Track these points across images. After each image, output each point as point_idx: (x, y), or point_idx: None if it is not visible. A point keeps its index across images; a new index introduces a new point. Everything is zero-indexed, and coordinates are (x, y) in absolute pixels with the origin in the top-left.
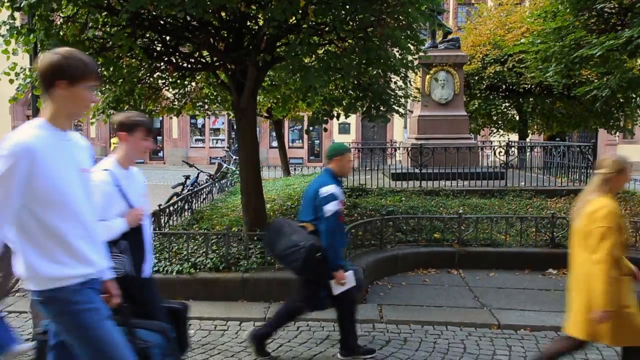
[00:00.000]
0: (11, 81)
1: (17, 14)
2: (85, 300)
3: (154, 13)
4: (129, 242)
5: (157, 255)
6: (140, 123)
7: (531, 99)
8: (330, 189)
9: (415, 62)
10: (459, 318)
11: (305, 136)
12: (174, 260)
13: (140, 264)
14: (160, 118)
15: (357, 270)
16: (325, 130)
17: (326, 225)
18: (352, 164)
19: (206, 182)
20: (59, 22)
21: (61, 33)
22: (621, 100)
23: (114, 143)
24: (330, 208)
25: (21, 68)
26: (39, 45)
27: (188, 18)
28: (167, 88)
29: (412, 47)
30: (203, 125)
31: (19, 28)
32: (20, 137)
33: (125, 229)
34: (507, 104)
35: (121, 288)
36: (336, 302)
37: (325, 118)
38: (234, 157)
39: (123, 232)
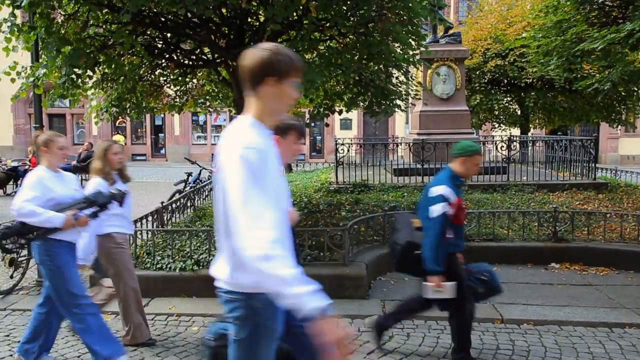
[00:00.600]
0: (13, 80)
1: (17, 12)
2: (271, 315)
3: (155, 10)
4: None
5: (160, 252)
6: (294, 127)
7: (533, 93)
8: (440, 189)
9: (417, 57)
10: None
11: (307, 132)
12: (177, 257)
13: None
14: (162, 115)
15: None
16: (327, 125)
17: (428, 226)
18: (479, 167)
19: (208, 178)
20: (60, 20)
21: (62, 31)
22: (623, 93)
23: (117, 141)
24: (435, 209)
25: (22, 67)
26: (40, 43)
27: (189, 15)
28: (168, 85)
29: (413, 42)
30: (205, 122)
31: (20, 26)
32: (251, 137)
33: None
34: (508, 99)
35: None
36: (447, 307)
37: (326, 112)
38: None
39: None
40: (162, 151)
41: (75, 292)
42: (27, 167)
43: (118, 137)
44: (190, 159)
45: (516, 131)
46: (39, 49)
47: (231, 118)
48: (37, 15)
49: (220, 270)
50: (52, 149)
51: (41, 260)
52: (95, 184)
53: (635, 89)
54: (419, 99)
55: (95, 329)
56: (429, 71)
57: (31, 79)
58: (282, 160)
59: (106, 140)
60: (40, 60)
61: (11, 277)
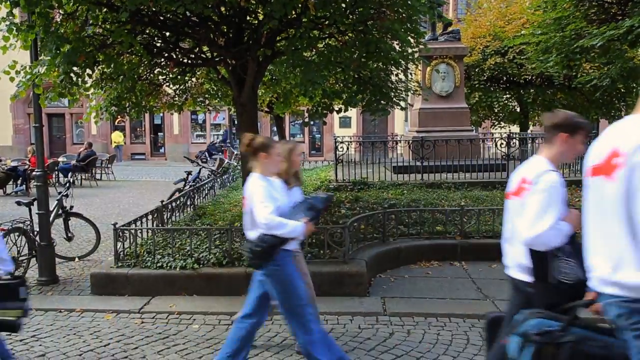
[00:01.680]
0: (12, 79)
1: (16, 11)
2: None
3: (154, 9)
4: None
5: (161, 251)
6: (584, 126)
7: (532, 90)
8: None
9: (416, 55)
10: (462, 310)
11: (306, 130)
12: (178, 255)
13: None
14: (161, 114)
15: None
16: (325, 123)
17: None
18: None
19: (208, 177)
20: (58, 19)
21: (61, 30)
22: (622, 90)
23: (114, 140)
24: None
25: (21, 66)
26: (38, 43)
27: (188, 13)
28: (167, 84)
29: (412, 40)
30: (204, 121)
31: (19, 25)
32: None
33: (570, 233)
34: (507, 96)
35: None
36: None
37: (324, 112)
38: (235, 152)
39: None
40: (162, 150)
41: (303, 302)
42: (26, 167)
43: (117, 135)
44: (189, 157)
45: (515, 128)
46: (38, 48)
47: (230, 116)
48: (36, 15)
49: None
50: (272, 155)
51: (270, 272)
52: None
53: (635, 85)
54: (419, 94)
55: (318, 337)
56: (428, 69)
57: (29, 76)
58: (565, 158)
59: (290, 141)
60: (39, 59)
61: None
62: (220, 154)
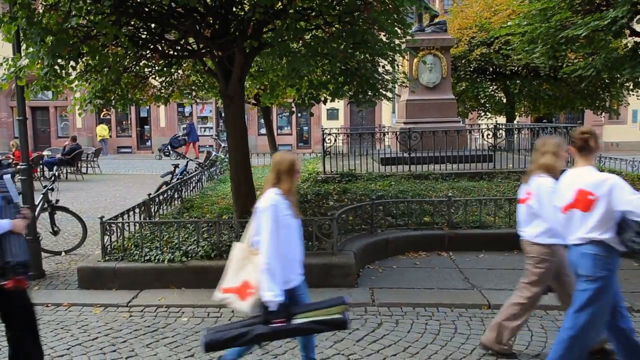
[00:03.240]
0: None
1: None
2: None
3: (138, 0)
4: None
5: (148, 244)
6: None
7: (518, 81)
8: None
9: (403, 46)
10: (450, 299)
11: (294, 123)
12: (165, 248)
13: None
14: (147, 107)
15: None
16: (312, 115)
17: None
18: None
19: (195, 170)
20: (41, 10)
21: (44, 21)
22: (607, 80)
23: (99, 134)
24: None
25: (4, 58)
26: (21, 35)
27: (173, 4)
28: (153, 76)
29: (398, 31)
30: (190, 114)
31: (1, 17)
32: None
33: None
34: (494, 87)
35: None
36: None
37: (311, 102)
38: (223, 144)
39: None
40: (148, 143)
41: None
42: (10, 160)
43: (101, 129)
44: (177, 150)
45: (502, 119)
46: (20, 40)
47: (217, 109)
48: (17, 6)
49: None
50: (561, 153)
51: (598, 275)
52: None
53: (619, 76)
54: (406, 86)
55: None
56: (415, 60)
57: (12, 69)
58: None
59: (557, 137)
60: (22, 52)
61: None
62: (183, 147)
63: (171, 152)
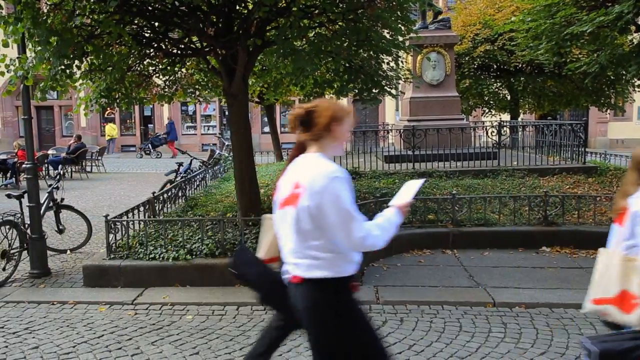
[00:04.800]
0: (2, 74)
1: (2, 3)
2: None
3: None
4: None
5: (153, 242)
6: None
7: (522, 78)
8: None
9: (406, 43)
10: (455, 297)
11: None
12: (170, 247)
13: None
14: (151, 106)
15: None
16: None
17: None
18: None
19: (199, 168)
20: (45, 10)
21: (49, 21)
22: (612, 77)
23: (108, 133)
24: None
25: (11, 59)
26: (26, 35)
27: (176, 3)
28: (157, 75)
29: (402, 28)
30: (194, 112)
31: (6, 17)
32: None
33: None
34: (498, 84)
35: None
36: None
37: None
38: (227, 143)
39: None
40: None
41: None
42: (15, 160)
43: (110, 128)
44: (180, 149)
45: (506, 116)
46: (25, 40)
47: (221, 107)
48: (22, 5)
49: None
50: None
51: None
52: None
53: (624, 72)
54: (410, 82)
55: None
56: (419, 57)
57: (20, 72)
58: None
59: None
60: (29, 52)
61: (3, 269)
62: (164, 145)
63: (152, 150)
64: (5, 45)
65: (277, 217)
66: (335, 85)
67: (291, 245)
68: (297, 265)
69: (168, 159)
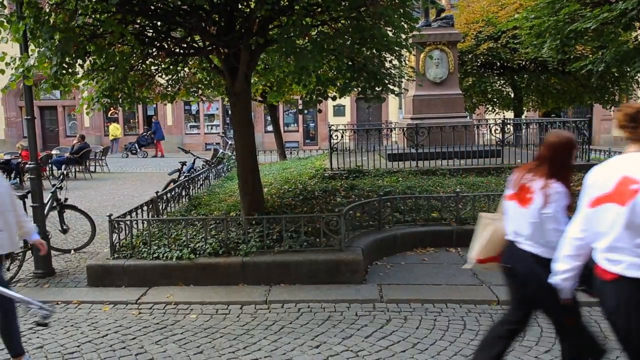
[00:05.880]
0: (2, 71)
1: (5, 2)
2: None
3: None
4: None
5: (157, 242)
6: None
7: (525, 76)
8: None
9: (409, 41)
10: (459, 295)
11: (300, 120)
12: (174, 246)
13: None
14: (154, 105)
15: None
16: (320, 111)
17: None
18: None
19: (202, 168)
20: (47, 9)
21: (51, 20)
22: (616, 74)
23: (112, 133)
24: None
25: (11, 58)
26: (28, 34)
27: (179, 2)
28: (160, 74)
29: (405, 26)
30: (197, 112)
31: (9, 16)
32: None
33: None
34: (501, 81)
35: None
36: None
37: (319, 99)
38: (230, 142)
39: None
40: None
41: None
42: (19, 160)
43: (114, 128)
44: (184, 148)
45: (510, 114)
46: (27, 39)
47: (224, 107)
48: (25, 5)
49: None
50: None
51: None
52: None
53: (628, 69)
54: (413, 80)
55: None
56: (422, 55)
57: (21, 70)
58: None
59: None
60: (31, 51)
61: (7, 269)
62: (149, 145)
63: (138, 150)
64: (8, 41)
65: (591, 214)
66: (338, 84)
67: (609, 242)
68: (613, 262)
69: (169, 159)
